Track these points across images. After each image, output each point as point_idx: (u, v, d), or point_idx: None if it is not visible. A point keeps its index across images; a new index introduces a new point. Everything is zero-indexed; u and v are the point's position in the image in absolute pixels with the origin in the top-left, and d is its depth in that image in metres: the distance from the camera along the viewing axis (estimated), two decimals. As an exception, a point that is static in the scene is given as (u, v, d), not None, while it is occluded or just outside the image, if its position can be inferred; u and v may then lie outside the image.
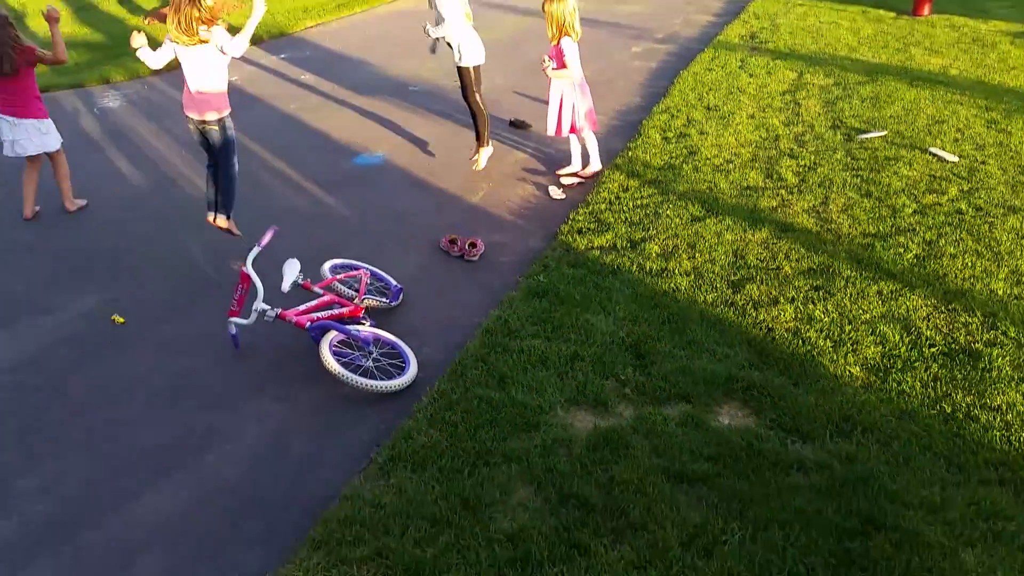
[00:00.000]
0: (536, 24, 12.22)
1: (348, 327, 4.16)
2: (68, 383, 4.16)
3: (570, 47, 6.00)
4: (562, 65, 6.07)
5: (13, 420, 3.88)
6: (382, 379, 3.98)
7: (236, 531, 3.21)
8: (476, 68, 6.46)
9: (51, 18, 5.63)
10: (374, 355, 4.13)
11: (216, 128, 5.08)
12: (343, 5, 13.33)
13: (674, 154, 6.78)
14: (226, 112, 5.11)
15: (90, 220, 6.07)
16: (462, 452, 3.47)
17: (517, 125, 7.70)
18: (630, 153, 6.83)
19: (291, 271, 4.33)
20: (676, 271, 4.97)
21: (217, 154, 5.21)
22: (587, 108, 6.28)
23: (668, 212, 5.73)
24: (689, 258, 5.12)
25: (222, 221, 5.38)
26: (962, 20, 11.09)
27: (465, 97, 6.61)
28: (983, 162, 6.40)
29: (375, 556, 2.97)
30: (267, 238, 4.31)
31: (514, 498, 3.24)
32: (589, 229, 5.55)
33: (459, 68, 6.48)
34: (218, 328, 4.42)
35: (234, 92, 8.90)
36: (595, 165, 6.53)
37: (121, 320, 4.71)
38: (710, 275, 4.91)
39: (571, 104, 6.19)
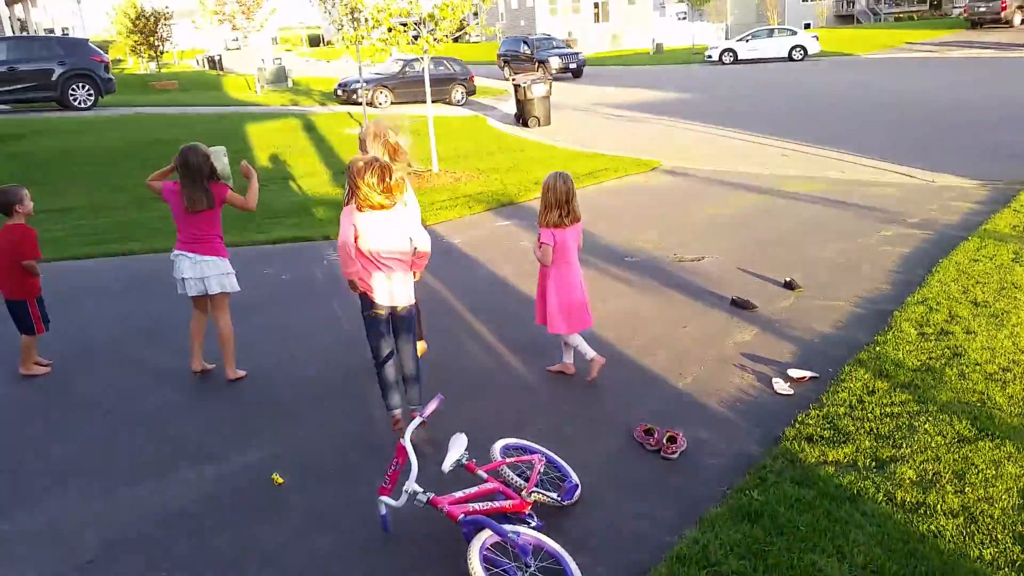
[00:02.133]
0: (765, 201, 11.57)
1: (506, 528, 3.45)
2: (199, 549, 3.78)
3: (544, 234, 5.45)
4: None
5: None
6: (536, 603, 3.19)
7: None
8: None
9: (249, 173, 5.69)
10: (531, 569, 3.36)
11: (407, 309, 4.74)
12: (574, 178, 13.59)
13: (933, 354, 5.60)
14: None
15: (277, 371, 5.93)
16: None
17: (740, 304, 6.89)
18: (878, 348, 5.73)
19: (456, 448, 3.76)
20: (939, 508, 3.78)
21: (402, 336, 4.79)
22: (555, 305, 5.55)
23: (927, 426, 4.56)
24: (956, 492, 3.91)
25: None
26: None
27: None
28: None
29: None
30: (431, 408, 3.81)
31: None
32: (822, 438, 4.51)
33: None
34: (375, 502, 3.91)
35: (452, 252, 9.09)
36: (571, 359, 5.76)
37: (280, 480, 4.36)
38: (986, 520, 3.67)
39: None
